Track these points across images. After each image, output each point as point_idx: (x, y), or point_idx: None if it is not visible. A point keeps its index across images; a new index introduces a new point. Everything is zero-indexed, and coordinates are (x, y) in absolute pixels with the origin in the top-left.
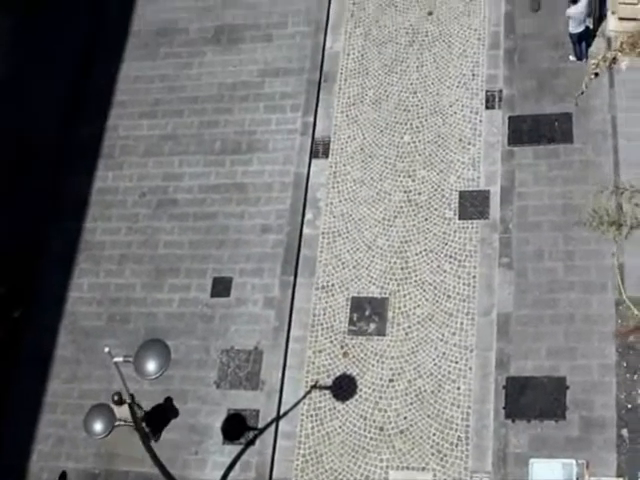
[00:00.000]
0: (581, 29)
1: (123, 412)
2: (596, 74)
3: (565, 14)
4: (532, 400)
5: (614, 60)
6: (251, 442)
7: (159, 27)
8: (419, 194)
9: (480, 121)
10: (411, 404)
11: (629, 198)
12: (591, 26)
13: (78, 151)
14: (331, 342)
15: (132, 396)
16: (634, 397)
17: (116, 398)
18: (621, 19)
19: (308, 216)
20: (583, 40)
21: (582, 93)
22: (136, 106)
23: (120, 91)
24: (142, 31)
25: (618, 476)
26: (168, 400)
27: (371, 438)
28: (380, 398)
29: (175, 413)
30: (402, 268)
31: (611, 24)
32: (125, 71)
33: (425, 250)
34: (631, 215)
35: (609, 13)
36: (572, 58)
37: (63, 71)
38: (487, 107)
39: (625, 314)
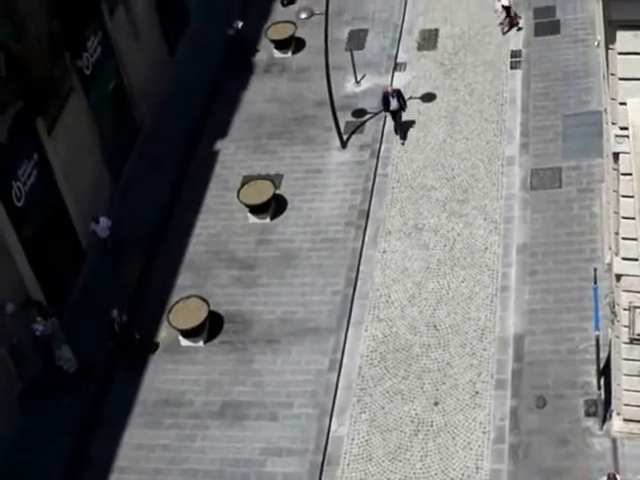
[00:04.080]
0: None
1: None
2: None
3: None
4: None
5: None
6: None
7: (165, 397)
8: None
9: None
10: None
11: None
12: None
13: None
14: None
15: None
16: None
17: None
18: (626, 420)
19: None
20: None
21: None
22: (135, 474)
23: (121, 457)
24: (148, 400)
25: None
26: None
27: None
28: None
29: None
30: None
31: (616, 425)
32: (128, 438)
33: None
34: None
35: (614, 414)
36: None
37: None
38: None
39: None
